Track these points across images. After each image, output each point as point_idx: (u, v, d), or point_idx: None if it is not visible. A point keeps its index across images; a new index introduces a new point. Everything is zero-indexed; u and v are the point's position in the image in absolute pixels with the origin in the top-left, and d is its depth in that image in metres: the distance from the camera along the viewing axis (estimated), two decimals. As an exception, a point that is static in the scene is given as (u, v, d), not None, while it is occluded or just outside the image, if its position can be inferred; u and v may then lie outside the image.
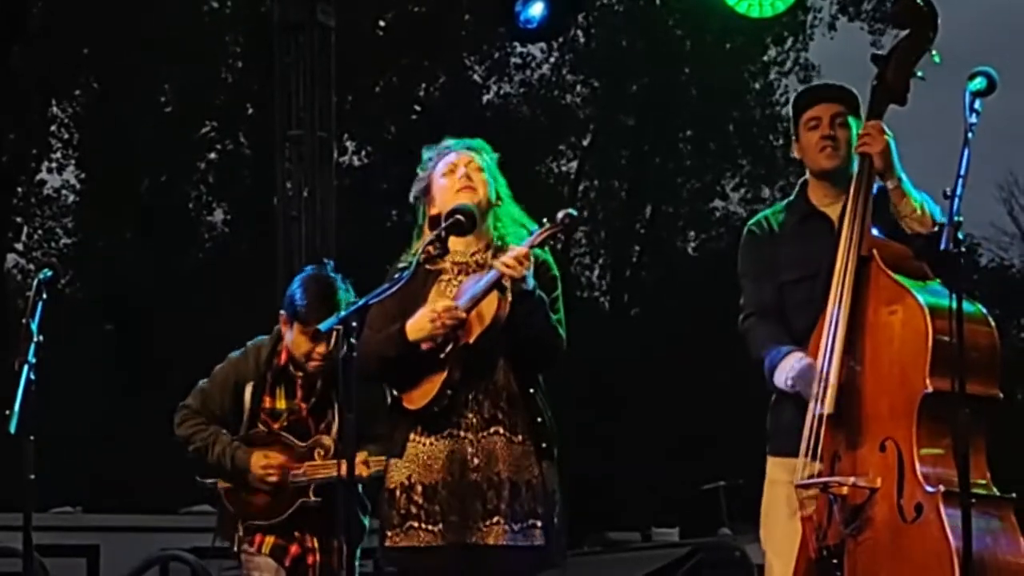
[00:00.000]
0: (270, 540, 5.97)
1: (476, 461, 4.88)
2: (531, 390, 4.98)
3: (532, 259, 4.84)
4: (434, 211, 5.04)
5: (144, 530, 11.37)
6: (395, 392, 5.02)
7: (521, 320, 4.86)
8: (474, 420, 4.90)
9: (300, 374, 5.98)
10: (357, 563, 5.47)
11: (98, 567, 11.06)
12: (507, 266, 4.78)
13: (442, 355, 4.87)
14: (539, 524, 4.91)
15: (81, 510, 11.89)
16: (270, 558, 5.95)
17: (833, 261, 4.98)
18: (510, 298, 4.83)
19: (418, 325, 4.88)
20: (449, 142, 5.16)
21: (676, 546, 12.77)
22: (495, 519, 4.85)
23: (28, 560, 5.52)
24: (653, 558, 12.26)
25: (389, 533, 4.97)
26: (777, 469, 5.16)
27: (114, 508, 12.97)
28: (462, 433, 4.90)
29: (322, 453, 5.92)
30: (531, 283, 4.85)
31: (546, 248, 5.03)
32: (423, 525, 4.89)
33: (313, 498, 5.91)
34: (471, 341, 4.86)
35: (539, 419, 4.98)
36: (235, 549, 6.05)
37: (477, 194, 5.01)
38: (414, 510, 4.90)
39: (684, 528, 14.36)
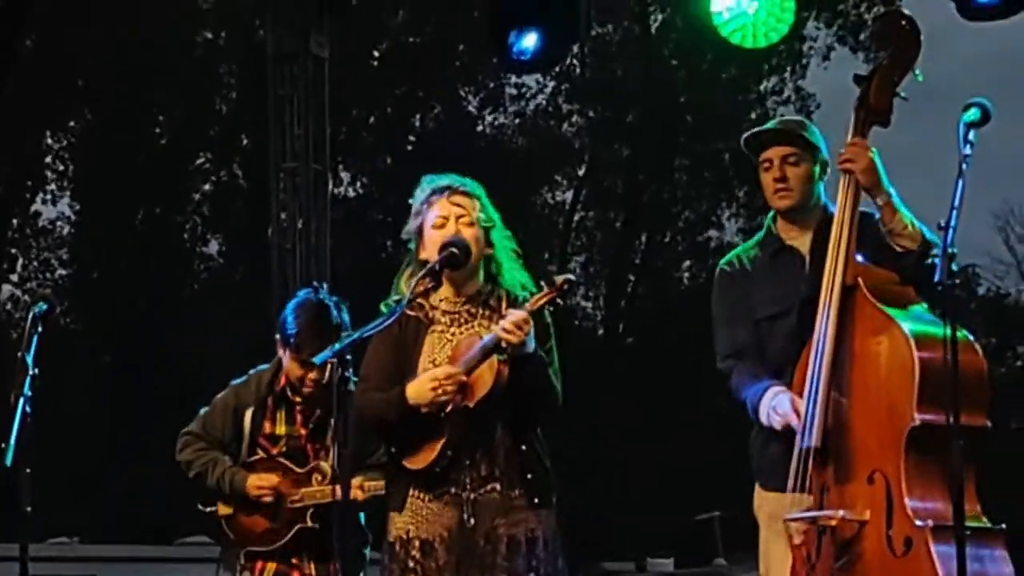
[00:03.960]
0: (271, 567, 6.02)
1: (474, 519, 4.89)
2: (527, 445, 4.99)
3: (531, 324, 4.82)
4: (424, 256, 5.04)
5: (141, 560, 11.37)
6: (393, 450, 5.03)
7: (521, 382, 4.86)
8: (472, 478, 4.92)
9: (299, 399, 6.02)
10: None
11: (95, 597, 11.06)
12: (506, 331, 4.78)
13: (441, 417, 4.88)
14: None
15: (78, 541, 11.88)
16: (272, 584, 5.99)
17: (807, 294, 4.98)
18: (509, 362, 4.83)
19: (419, 390, 4.88)
20: (441, 182, 5.10)
21: (671, 576, 12.78)
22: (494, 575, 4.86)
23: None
24: (648, 588, 12.26)
25: None
26: (770, 504, 5.15)
27: (111, 539, 12.97)
28: (460, 491, 4.92)
29: (320, 478, 5.96)
30: (531, 346, 4.85)
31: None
32: None
33: (311, 523, 5.94)
34: (471, 405, 4.87)
35: (536, 472, 4.98)
36: (236, 579, 6.09)
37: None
38: (411, 564, 4.92)
39: (679, 558, 14.34)
